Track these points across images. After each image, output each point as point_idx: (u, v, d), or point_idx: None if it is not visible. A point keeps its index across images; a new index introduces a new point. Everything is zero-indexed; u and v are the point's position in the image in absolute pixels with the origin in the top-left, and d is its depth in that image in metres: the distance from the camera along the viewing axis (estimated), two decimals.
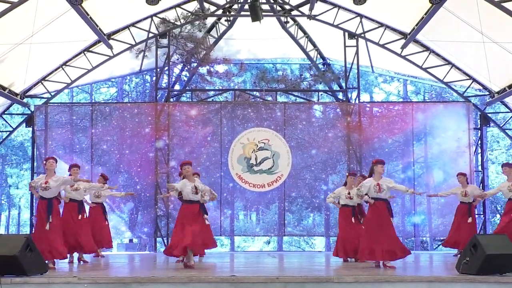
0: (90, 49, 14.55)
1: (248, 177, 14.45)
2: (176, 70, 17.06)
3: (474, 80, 14.83)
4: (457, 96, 15.33)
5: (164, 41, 14.81)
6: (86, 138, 14.70)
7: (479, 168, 15.42)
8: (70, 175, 10.31)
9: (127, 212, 14.60)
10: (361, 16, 14.28)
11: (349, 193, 10.32)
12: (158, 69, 15.09)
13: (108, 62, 14.74)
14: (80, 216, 10.01)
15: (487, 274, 7.04)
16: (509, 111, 15.61)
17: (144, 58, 15.23)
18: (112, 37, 14.29)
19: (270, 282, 6.86)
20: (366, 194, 8.96)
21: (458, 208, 11.88)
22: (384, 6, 13.41)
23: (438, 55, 14.61)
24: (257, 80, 15.97)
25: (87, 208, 11.03)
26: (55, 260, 8.84)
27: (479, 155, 15.33)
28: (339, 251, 10.40)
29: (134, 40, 14.53)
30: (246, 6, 13.66)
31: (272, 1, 14.38)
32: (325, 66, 16.03)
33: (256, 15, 13.01)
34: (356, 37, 14.62)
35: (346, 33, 14.64)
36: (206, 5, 14.30)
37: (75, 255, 10.19)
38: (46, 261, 7.98)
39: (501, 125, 15.75)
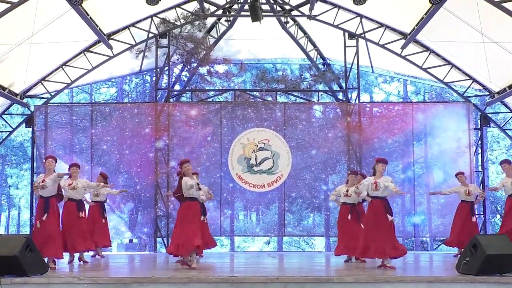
0: (90, 49, 14.55)
1: (248, 177, 14.45)
2: (176, 70, 17.06)
3: (474, 80, 14.83)
4: (457, 96, 15.34)
5: (164, 41, 14.82)
6: (86, 138, 14.69)
7: (479, 168, 15.43)
8: (70, 175, 10.36)
9: (127, 212, 14.59)
10: (361, 16, 14.28)
11: (347, 191, 10.33)
12: (158, 69, 15.09)
13: (108, 62, 14.74)
14: (81, 214, 10.02)
15: (487, 274, 7.04)
16: (509, 111, 15.61)
17: (144, 58, 15.23)
18: (112, 37, 14.29)
19: (270, 282, 6.86)
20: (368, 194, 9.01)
21: (460, 207, 11.87)
22: (384, 6, 13.41)
23: (438, 55, 14.60)
24: (257, 80, 15.96)
25: (87, 207, 11.05)
26: (55, 260, 8.84)
27: (479, 155, 15.33)
28: (338, 248, 10.48)
29: (134, 40, 14.53)
30: (246, 6, 13.66)
31: (272, 1, 14.38)
32: (325, 66, 16.03)
33: (256, 15, 13.01)
34: (356, 37, 14.62)
35: (346, 33, 14.64)
36: (206, 5, 14.30)
37: (76, 254, 10.18)
38: (46, 260, 7.99)
39: (501, 125, 15.75)
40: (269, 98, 15.29)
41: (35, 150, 14.73)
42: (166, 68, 15.17)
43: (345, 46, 14.76)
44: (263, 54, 16.91)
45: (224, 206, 14.62)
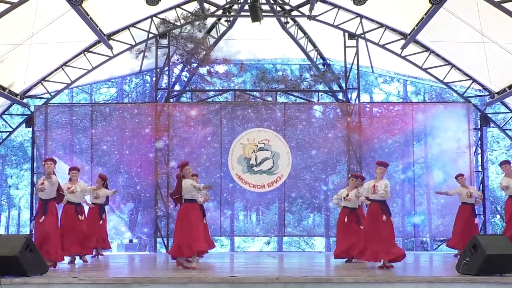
0: (90, 50, 14.55)
1: (248, 178, 14.44)
2: (176, 71, 17.07)
3: (474, 80, 14.83)
4: (457, 97, 15.34)
5: (164, 42, 14.81)
6: (86, 139, 14.69)
7: (479, 168, 15.44)
8: (70, 178, 10.40)
9: (127, 212, 14.59)
10: (361, 16, 14.28)
11: (347, 195, 10.37)
12: (158, 70, 15.09)
13: (108, 62, 14.74)
14: (80, 218, 10.05)
15: (487, 274, 7.04)
16: (509, 111, 15.61)
17: (144, 58, 15.23)
18: (112, 37, 14.30)
19: (270, 282, 6.86)
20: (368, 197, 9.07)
21: (461, 209, 11.86)
22: (384, 7, 13.41)
23: (438, 55, 14.61)
24: (257, 80, 15.96)
25: (86, 209, 11.07)
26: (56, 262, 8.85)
27: (479, 156, 15.33)
28: (335, 251, 10.60)
29: (134, 40, 14.53)
30: (246, 7, 13.65)
31: (272, 2, 14.38)
32: (325, 66, 16.04)
33: (256, 16, 13.01)
34: (356, 37, 14.62)
35: (346, 34, 14.64)
36: (206, 5, 14.29)
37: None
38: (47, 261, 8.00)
39: (501, 126, 15.75)
40: (269, 98, 15.29)
41: (35, 150, 14.73)
42: (166, 68, 15.17)
43: (345, 46, 14.76)
44: (263, 54, 16.91)
45: (224, 206, 14.62)
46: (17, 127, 15.80)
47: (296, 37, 15.33)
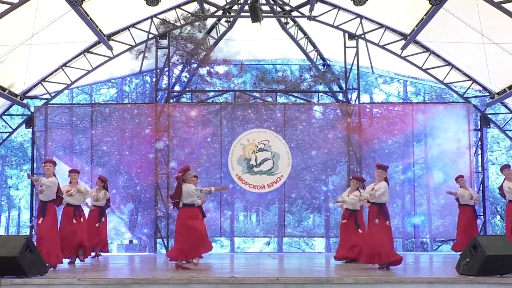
0: (90, 50, 14.55)
1: (248, 178, 14.43)
2: (176, 71, 17.06)
3: (474, 81, 14.83)
4: (457, 97, 15.33)
5: (164, 42, 14.81)
6: (86, 139, 14.68)
7: (479, 169, 15.44)
8: (70, 180, 10.42)
9: (127, 213, 14.58)
10: (361, 17, 14.28)
11: (348, 197, 10.43)
12: (158, 70, 15.08)
13: (108, 63, 14.74)
14: (75, 220, 10.04)
15: (487, 275, 7.04)
16: (509, 112, 15.60)
17: (144, 59, 15.23)
18: (112, 38, 14.29)
19: (270, 283, 6.86)
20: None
21: (463, 210, 11.87)
22: (384, 7, 13.41)
23: (438, 56, 14.61)
24: (257, 81, 15.96)
25: (87, 211, 11.07)
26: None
27: (479, 156, 15.33)
28: (336, 252, 10.69)
29: (134, 41, 14.53)
30: (246, 7, 13.65)
31: (272, 2, 14.38)
32: (325, 67, 16.03)
33: (256, 16, 13.01)
34: (356, 38, 14.62)
35: (346, 34, 14.63)
36: (206, 6, 14.29)
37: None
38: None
39: (501, 126, 15.75)
40: (269, 99, 15.29)
41: (35, 151, 14.72)
42: (166, 69, 15.17)
43: (345, 47, 14.76)
44: (263, 55, 16.91)
45: (224, 207, 14.61)
46: (17, 128, 15.80)
47: (296, 37, 15.33)
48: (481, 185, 15.05)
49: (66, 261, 9.70)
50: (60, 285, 6.86)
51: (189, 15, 14.49)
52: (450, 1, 11.44)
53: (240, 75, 16.67)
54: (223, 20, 15.11)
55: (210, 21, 15.31)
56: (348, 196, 10.45)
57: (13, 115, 16.30)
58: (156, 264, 10.58)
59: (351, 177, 11.06)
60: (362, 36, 14.51)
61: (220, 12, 14.59)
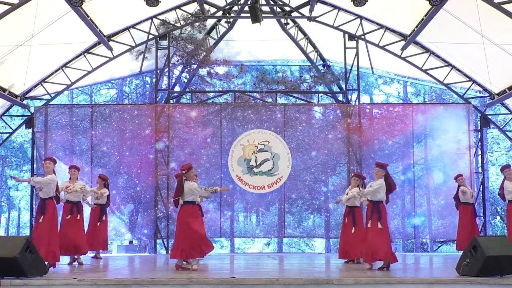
0: (90, 51, 14.56)
1: (248, 179, 14.43)
2: (176, 72, 17.07)
3: (474, 81, 14.83)
4: (457, 98, 15.33)
5: (164, 43, 14.82)
6: (86, 140, 14.69)
7: (479, 169, 15.44)
8: (70, 177, 10.41)
9: (127, 213, 14.58)
10: (361, 17, 14.29)
11: (347, 194, 10.45)
12: (158, 71, 15.09)
13: (108, 63, 14.75)
14: (69, 217, 9.98)
15: (487, 275, 7.04)
16: (509, 112, 15.61)
17: (144, 59, 15.24)
18: (112, 38, 14.30)
19: (270, 284, 6.86)
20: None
21: (464, 209, 11.87)
22: (384, 8, 13.41)
23: (438, 56, 14.62)
24: (257, 81, 15.97)
25: (88, 210, 11.06)
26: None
27: (479, 157, 15.34)
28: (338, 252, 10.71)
29: (134, 41, 14.53)
30: (246, 8, 13.66)
31: (272, 3, 14.39)
32: (325, 67, 16.04)
33: (256, 17, 13.01)
34: (356, 38, 14.63)
35: (346, 35, 14.64)
36: (206, 6, 14.30)
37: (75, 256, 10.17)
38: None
39: (501, 127, 15.75)
40: (269, 100, 15.29)
41: (35, 151, 14.73)
42: (166, 69, 15.17)
43: (345, 48, 14.77)
44: (263, 55, 16.92)
45: (224, 207, 14.61)
46: (17, 128, 15.80)
47: (296, 38, 15.33)
48: (481, 186, 15.06)
49: (66, 260, 9.70)
50: (60, 286, 6.85)
51: (189, 15, 14.50)
52: (450, 2, 11.45)
53: (240, 76, 16.68)
54: (223, 21, 15.11)
55: (210, 22, 15.32)
56: (347, 194, 10.47)
57: (13, 115, 16.30)
58: (156, 265, 10.57)
59: (352, 174, 11.07)
60: (362, 36, 14.51)
61: (220, 13, 14.59)
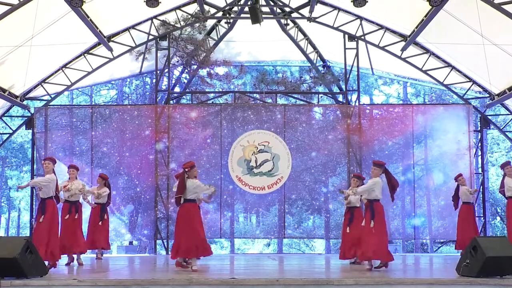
0: (90, 51, 14.56)
1: (248, 180, 14.43)
2: (176, 72, 17.06)
3: (474, 82, 14.83)
4: (457, 99, 15.34)
5: (164, 43, 14.82)
6: (86, 141, 14.69)
7: (479, 170, 15.44)
8: (69, 176, 10.42)
9: (127, 214, 14.58)
10: (361, 18, 14.29)
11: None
12: (158, 71, 15.09)
13: (108, 64, 14.76)
14: (67, 216, 9.97)
15: (487, 276, 7.03)
16: (509, 113, 15.61)
17: (144, 60, 15.22)
18: (112, 39, 14.31)
19: (270, 284, 6.85)
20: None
21: (464, 208, 11.88)
22: (384, 8, 13.42)
23: (438, 57, 14.62)
24: (257, 82, 15.97)
25: (88, 209, 11.07)
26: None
27: (479, 157, 15.34)
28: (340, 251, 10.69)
29: (134, 42, 14.54)
30: (246, 9, 13.67)
31: (272, 4, 14.39)
32: (325, 68, 16.04)
33: (256, 18, 13.02)
34: (356, 39, 14.63)
35: (346, 35, 14.65)
36: (206, 7, 14.30)
37: (74, 256, 10.17)
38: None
39: (501, 127, 15.76)
40: (269, 100, 15.29)
41: (35, 152, 14.73)
42: (166, 70, 15.17)
43: (345, 48, 14.77)
44: (263, 56, 16.92)
45: (224, 208, 14.61)
46: (17, 129, 15.81)
47: (296, 39, 15.33)
48: (481, 186, 15.05)
49: (65, 260, 9.70)
50: (59, 286, 6.85)
51: (189, 16, 14.51)
52: (450, 2, 11.46)
53: (240, 77, 16.69)
54: (223, 22, 15.12)
55: (210, 23, 15.32)
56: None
57: (13, 116, 16.30)
58: (156, 265, 10.57)
59: (352, 175, 11.07)
60: (362, 37, 14.52)
61: (220, 14, 14.60)
